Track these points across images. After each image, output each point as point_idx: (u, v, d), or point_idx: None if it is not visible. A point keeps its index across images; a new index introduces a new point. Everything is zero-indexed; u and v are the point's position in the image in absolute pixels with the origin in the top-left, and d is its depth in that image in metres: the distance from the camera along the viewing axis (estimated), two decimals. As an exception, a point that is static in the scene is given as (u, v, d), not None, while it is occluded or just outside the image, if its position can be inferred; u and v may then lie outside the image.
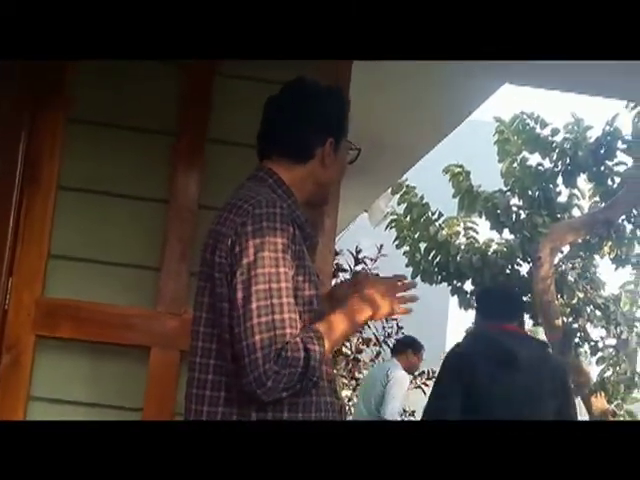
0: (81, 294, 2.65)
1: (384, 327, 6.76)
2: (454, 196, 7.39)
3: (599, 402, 6.99)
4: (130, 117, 2.73)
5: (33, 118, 2.68)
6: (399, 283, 1.90)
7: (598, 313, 7.24)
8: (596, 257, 7.52)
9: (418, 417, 6.44)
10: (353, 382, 7.01)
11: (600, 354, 7.23)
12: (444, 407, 3.26)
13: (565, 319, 7.16)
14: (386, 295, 1.86)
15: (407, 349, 6.26)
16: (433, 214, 7.52)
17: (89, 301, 2.65)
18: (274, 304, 1.69)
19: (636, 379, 6.94)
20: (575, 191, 7.31)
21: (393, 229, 7.64)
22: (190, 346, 1.85)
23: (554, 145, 7.15)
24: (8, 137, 2.66)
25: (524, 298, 7.33)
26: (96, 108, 2.74)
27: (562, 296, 7.29)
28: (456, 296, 7.61)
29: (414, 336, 6.43)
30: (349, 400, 7.11)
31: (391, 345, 6.95)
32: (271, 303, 1.68)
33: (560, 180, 7.18)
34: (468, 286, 7.51)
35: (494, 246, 7.42)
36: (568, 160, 7.06)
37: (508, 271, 7.33)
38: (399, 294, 1.89)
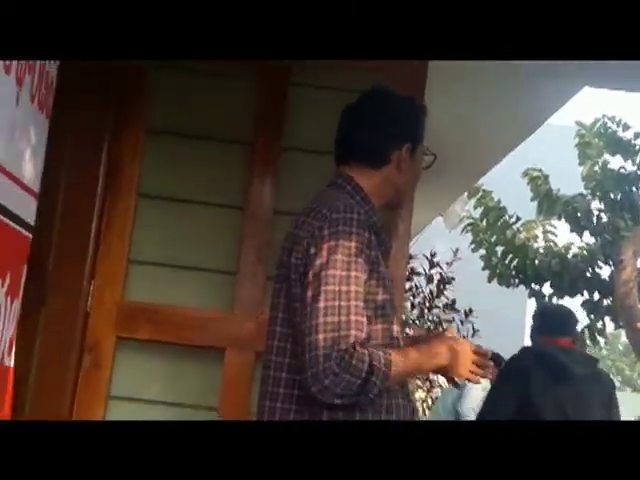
0: (160, 297, 2.71)
1: (459, 330, 6.70)
2: (532, 199, 7.28)
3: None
4: (207, 127, 2.80)
5: (114, 128, 2.76)
6: (486, 355, 1.90)
7: (681, 317, 7.01)
8: (680, 260, 7.29)
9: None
10: (427, 383, 6.97)
11: (683, 358, 7.02)
12: (497, 413, 3.41)
13: (647, 323, 6.97)
14: (468, 358, 1.86)
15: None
16: (510, 217, 7.42)
17: (167, 304, 2.71)
18: (342, 306, 1.70)
19: None
20: (658, 193, 7.13)
21: (469, 233, 7.57)
22: (266, 345, 1.88)
23: (637, 148, 6.99)
24: (90, 146, 2.74)
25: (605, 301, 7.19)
26: (174, 119, 2.81)
27: (645, 300, 7.10)
28: (534, 299, 7.50)
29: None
30: (423, 402, 7.08)
31: None
32: (339, 305, 1.70)
33: (643, 183, 7.01)
34: (546, 289, 7.39)
35: (574, 249, 7.28)
36: (651, 163, 6.89)
37: (589, 274, 7.18)
38: (481, 362, 1.88)
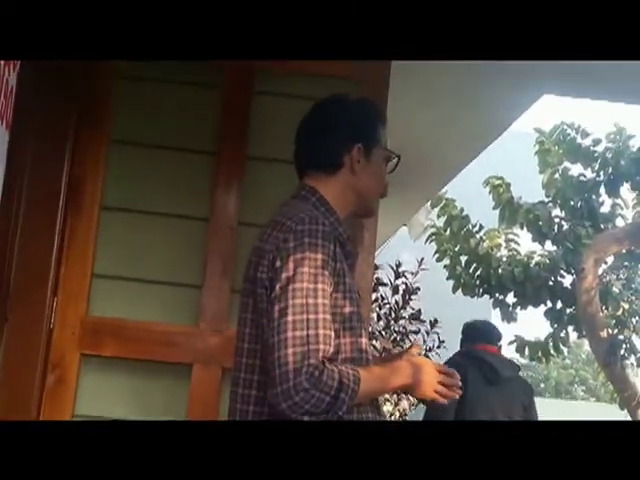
0: (124, 313, 2.68)
1: (425, 341, 6.72)
2: (494, 208, 7.33)
3: (646, 415, 6.86)
4: (170, 137, 2.77)
5: (75, 139, 2.72)
6: (453, 376, 1.88)
7: (644, 324, 7.13)
8: (641, 267, 7.41)
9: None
10: (395, 397, 6.97)
11: (646, 366, 7.11)
12: (439, 411, 3.69)
13: (610, 330, 7.05)
14: (432, 377, 1.85)
15: None
16: (474, 226, 7.46)
17: (132, 319, 2.68)
18: (310, 319, 1.69)
19: (684, 391, 6.80)
20: (618, 201, 7.21)
21: (433, 242, 7.60)
22: (234, 361, 1.86)
23: (596, 155, 7.07)
24: (51, 158, 2.70)
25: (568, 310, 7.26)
26: (137, 129, 2.78)
27: (607, 307, 7.18)
28: (498, 309, 7.54)
29: None
30: (391, 415, 7.07)
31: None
32: (307, 318, 1.69)
33: (603, 190, 7.09)
34: (510, 299, 7.44)
35: (536, 258, 7.33)
36: (610, 170, 6.98)
37: (551, 283, 7.24)
38: (447, 382, 1.87)
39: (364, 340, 1.85)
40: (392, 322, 6.65)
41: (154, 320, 2.69)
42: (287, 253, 1.73)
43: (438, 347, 7.08)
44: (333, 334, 1.73)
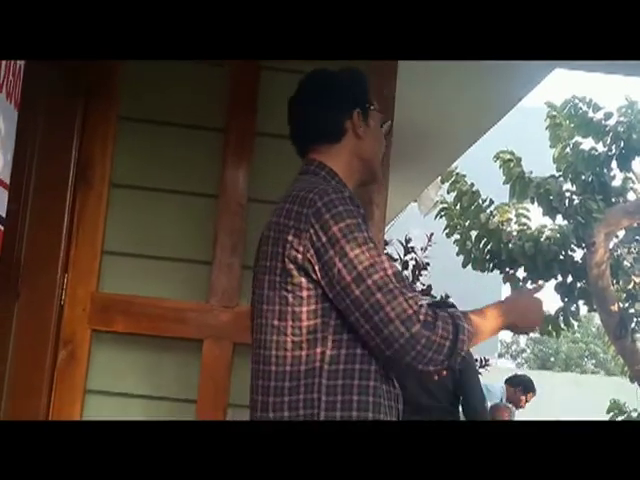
0: (135, 289, 2.69)
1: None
2: (505, 183, 7.31)
3: (658, 388, 6.88)
4: (179, 114, 2.77)
5: (84, 117, 2.72)
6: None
7: (655, 297, 7.12)
8: (652, 241, 7.39)
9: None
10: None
11: (658, 339, 7.11)
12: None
13: (621, 304, 7.05)
14: (536, 311, 1.94)
15: (519, 386, 6.83)
16: (484, 202, 7.45)
17: (142, 296, 2.69)
18: (389, 275, 1.69)
19: (695, 362, 6.80)
20: (630, 175, 7.19)
21: (443, 218, 7.59)
22: (253, 339, 1.86)
23: (607, 129, 7.04)
24: (60, 137, 2.70)
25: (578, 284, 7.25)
26: (146, 106, 2.78)
27: (618, 281, 7.18)
28: (508, 284, 7.54)
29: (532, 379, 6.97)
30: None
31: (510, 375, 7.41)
32: (386, 274, 1.69)
33: (614, 164, 7.07)
34: (521, 273, 7.43)
35: (547, 232, 7.32)
36: (622, 144, 6.94)
37: (562, 257, 7.23)
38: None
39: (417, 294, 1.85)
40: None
41: (164, 296, 2.69)
42: (328, 225, 1.72)
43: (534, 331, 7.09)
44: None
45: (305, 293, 1.74)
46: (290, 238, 1.75)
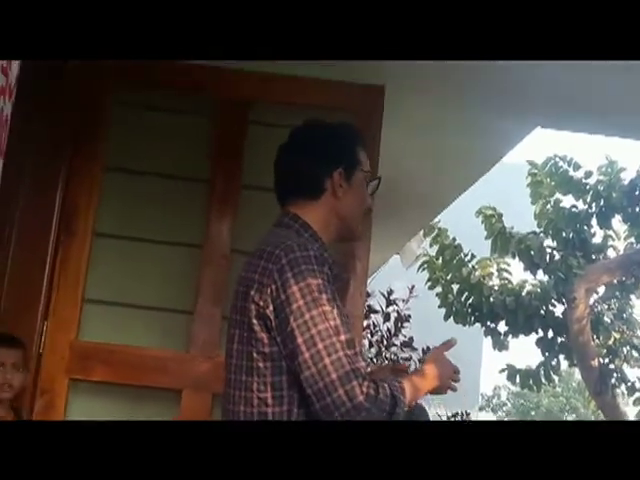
0: (115, 338, 2.67)
1: (416, 368, 6.71)
2: (487, 238, 7.37)
3: (637, 446, 6.86)
4: (164, 165, 2.79)
5: (70, 167, 2.74)
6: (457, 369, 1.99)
7: (635, 354, 7.15)
8: (632, 297, 7.45)
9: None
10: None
11: (637, 395, 7.13)
12: None
13: (601, 360, 7.06)
14: (451, 372, 1.95)
15: None
16: (466, 255, 7.50)
17: (123, 344, 2.67)
18: (341, 341, 1.68)
19: (674, 421, 6.81)
20: (610, 232, 7.27)
21: (425, 270, 7.63)
22: (223, 392, 1.86)
23: (588, 187, 7.14)
24: (45, 185, 2.71)
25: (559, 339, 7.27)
26: (131, 157, 2.80)
27: (598, 337, 7.21)
28: (490, 337, 7.55)
29: None
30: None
31: None
32: (337, 340, 1.68)
33: (594, 221, 7.15)
34: (502, 327, 7.45)
35: (528, 287, 7.37)
36: (602, 201, 7.05)
37: (543, 312, 7.26)
38: (456, 377, 1.97)
39: (364, 364, 1.85)
40: (384, 349, 6.63)
41: (144, 345, 2.68)
42: (289, 284, 1.71)
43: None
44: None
45: (267, 349, 1.73)
46: (253, 293, 1.75)
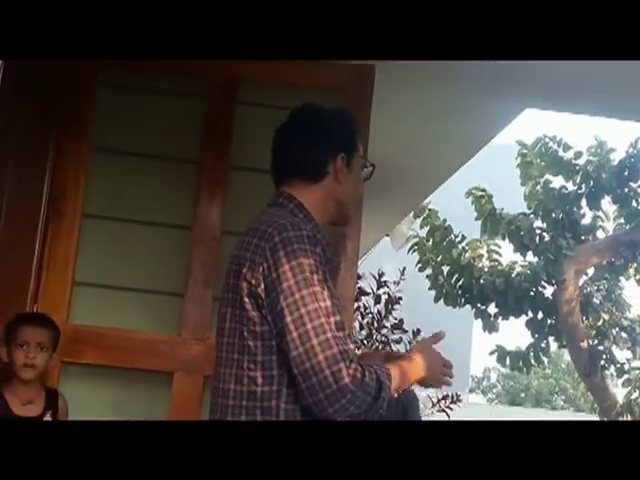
0: (105, 321, 2.67)
1: (407, 350, 6.74)
2: (477, 219, 7.39)
3: (626, 426, 6.92)
4: (153, 145, 2.77)
5: (57, 148, 2.72)
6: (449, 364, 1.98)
7: (624, 335, 7.20)
8: (621, 279, 7.48)
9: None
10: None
11: (626, 376, 7.18)
12: None
13: (590, 341, 7.11)
14: (441, 366, 1.94)
15: None
16: (456, 237, 7.52)
17: (113, 327, 2.66)
18: (329, 322, 1.68)
19: (663, 401, 6.87)
20: (599, 213, 7.30)
21: (416, 252, 7.64)
22: (214, 371, 1.85)
23: (577, 168, 7.15)
24: (33, 167, 2.69)
25: (549, 321, 7.31)
26: (120, 137, 2.78)
27: (587, 318, 7.25)
28: (480, 319, 7.58)
29: None
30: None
31: None
32: (326, 321, 1.67)
33: (584, 202, 7.17)
34: (492, 309, 7.48)
35: (518, 269, 7.40)
36: (592, 182, 7.06)
37: (532, 294, 7.29)
38: (448, 372, 1.97)
39: (353, 347, 1.85)
40: (374, 331, 6.65)
41: (135, 328, 2.68)
42: (280, 262, 1.71)
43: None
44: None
45: (258, 328, 1.73)
46: (245, 271, 1.75)
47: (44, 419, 2.42)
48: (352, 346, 1.72)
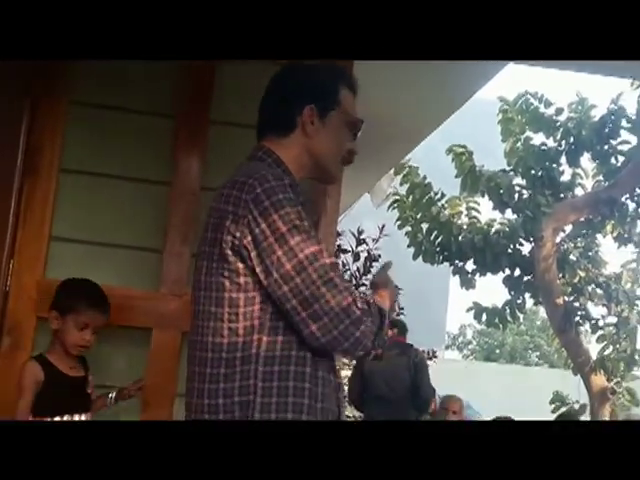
0: (83, 276, 2.63)
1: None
2: (457, 176, 7.38)
3: (599, 380, 7.03)
4: (131, 99, 2.72)
5: (33, 102, 2.66)
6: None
7: (599, 291, 7.27)
8: (598, 236, 7.54)
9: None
10: (354, 362, 7.01)
11: (600, 332, 7.27)
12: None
13: (566, 298, 7.18)
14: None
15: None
16: (436, 194, 7.51)
17: (91, 283, 2.63)
18: (328, 264, 1.70)
19: (636, 357, 6.99)
20: (578, 170, 7.32)
21: (395, 210, 7.64)
22: (191, 325, 1.85)
23: (558, 124, 7.15)
24: (9, 118, 2.64)
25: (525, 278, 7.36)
26: (98, 91, 2.72)
27: (564, 275, 7.31)
28: (457, 276, 7.62)
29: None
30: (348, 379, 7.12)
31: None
32: (325, 263, 1.70)
33: (564, 159, 7.19)
34: (470, 266, 7.52)
35: (496, 226, 7.42)
36: (572, 139, 7.07)
37: (510, 251, 7.33)
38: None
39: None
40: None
41: (113, 284, 2.65)
42: (268, 213, 1.70)
43: (397, 315, 7.13)
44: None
45: (242, 279, 1.73)
46: (228, 224, 1.74)
47: (89, 379, 2.51)
48: (351, 283, 1.76)
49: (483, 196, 7.31)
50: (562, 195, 7.27)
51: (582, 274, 7.37)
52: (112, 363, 2.66)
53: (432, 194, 7.50)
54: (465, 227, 7.42)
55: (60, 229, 2.67)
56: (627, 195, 6.99)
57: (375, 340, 1.76)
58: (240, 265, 1.73)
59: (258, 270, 1.71)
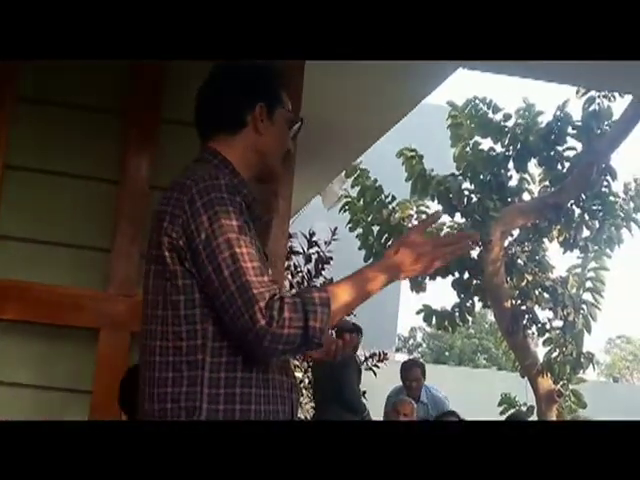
0: (29, 275, 2.60)
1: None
2: (407, 180, 7.43)
3: (545, 382, 7.13)
4: (81, 96, 2.69)
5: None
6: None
7: (546, 295, 7.36)
8: (545, 241, 7.64)
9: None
10: (305, 364, 7.02)
11: (547, 335, 7.36)
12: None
13: (514, 301, 7.27)
14: (411, 255, 1.85)
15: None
16: (386, 197, 7.56)
17: (38, 282, 2.60)
18: (246, 267, 1.67)
19: (581, 360, 7.08)
20: (526, 175, 7.43)
21: (347, 212, 7.66)
22: (141, 330, 1.84)
23: (506, 130, 7.25)
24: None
25: (474, 281, 7.45)
26: (45, 86, 2.69)
27: (511, 279, 7.40)
28: (407, 279, 7.67)
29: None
30: (300, 382, 7.13)
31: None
32: (240, 266, 1.66)
33: (511, 164, 7.28)
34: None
35: (446, 229, 7.48)
36: (519, 145, 7.17)
37: (459, 254, 7.38)
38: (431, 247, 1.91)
39: (275, 287, 1.84)
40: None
41: (60, 284, 2.62)
42: (198, 213, 1.70)
43: (348, 315, 7.14)
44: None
45: (180, 282, 1.72)
46: (165, 225, 1.74)
47: None
48: (274, 287, 1.69)
49: (433, 200, 7.38)
50: (510, 200, 7.37)
51: (529, 278, 7.47)
52: (57, 364, 2.63)
53: (383, 197, 7.54)
54: (415, 230, 7.45)
55: (5, 227, 2.63)
56: (573, 201, 7.12)
57: (303, 343, 1.67)
58: (178, 268, 1.72)
59: (194, 271, 1.71)
